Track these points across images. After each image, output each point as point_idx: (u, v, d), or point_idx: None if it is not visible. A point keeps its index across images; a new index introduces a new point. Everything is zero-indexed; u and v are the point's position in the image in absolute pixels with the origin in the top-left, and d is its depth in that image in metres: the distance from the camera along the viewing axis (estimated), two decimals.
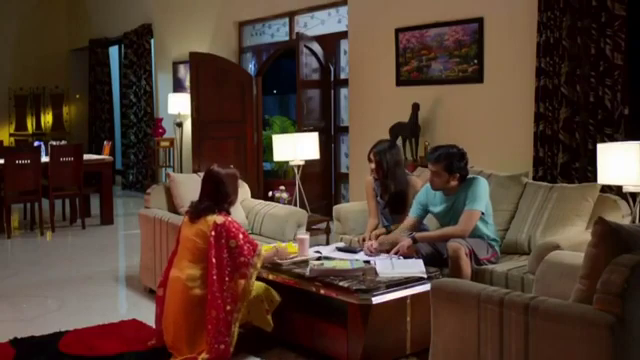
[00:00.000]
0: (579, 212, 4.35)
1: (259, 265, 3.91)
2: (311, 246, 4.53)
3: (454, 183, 4.32)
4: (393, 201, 4.84)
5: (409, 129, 6.54)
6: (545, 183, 4.86)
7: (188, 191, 4.98)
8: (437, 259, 4.26)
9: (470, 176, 4.40)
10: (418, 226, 4.55)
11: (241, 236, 3.88)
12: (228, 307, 3.79)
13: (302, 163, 6.57)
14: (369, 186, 4.96)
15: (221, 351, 3.77)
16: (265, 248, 4.50)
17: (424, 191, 4.55)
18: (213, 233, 3.84)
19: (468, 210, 4.24)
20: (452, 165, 4.27)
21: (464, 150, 4.38)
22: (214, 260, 3.81)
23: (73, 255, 7.23)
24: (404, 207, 4.77)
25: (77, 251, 7.41)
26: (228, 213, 4.01)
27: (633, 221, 4.21)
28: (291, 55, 8.34)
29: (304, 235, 4.43)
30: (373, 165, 4.82)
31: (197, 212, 3.98)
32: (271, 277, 4.11)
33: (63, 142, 9.70)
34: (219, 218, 3.90)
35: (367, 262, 4.05)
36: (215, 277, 3.79)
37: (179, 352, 3.86)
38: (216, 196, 4.00)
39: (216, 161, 4.35)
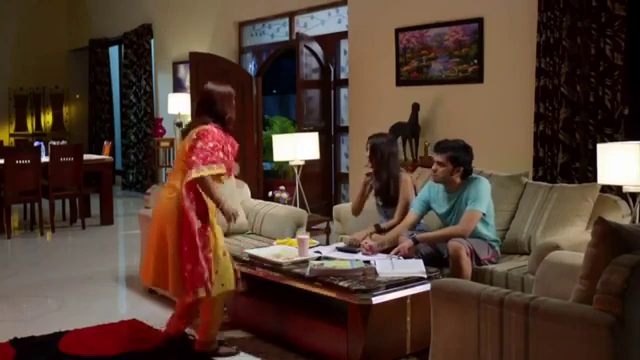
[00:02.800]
0: (579, 212, 4.35)
1: (205, 174, 3.68)
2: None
3: (457, 177, 4.31)
4: (385, 191, 4.82)
5: (409, 129, 6.54)
6: (545, 183, 4.86)
7: None
8: (437, 259, 4.26)
9: (473, 176, 4.40)
10: (418, 222, 4.55)
11: (211, 145, 3.73)
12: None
13: (302, 163, 6.57)
14: (363, 183, 4.97)
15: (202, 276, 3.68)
16: (278, 242, 4.52)
17: (427, 188, 4.54)
18: (194, 136, 3.76)
19: (470, 210, 4.24)
20: (458, 157, 4.28)
21: (470, 146, 4.38)
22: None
23: (73, 255, 7.23)
24: (395, 199, 4.77)
25: (77, 251, 7.41)
26: (228, 131, 3.90)
27: (633, 221, 4.21)
28: (291, 55, 8.34)
29: (304, 235, 4.43)
30: (368, 153, 4.82)
31: (190, 125, 3.95)
32: (271, 276, 4.12)
33: (63, 142, 9.70)
34: (209, 126, 3.81)
35: (367, 262, 4.05)
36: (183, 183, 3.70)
37: (164, 284, 3.82)
38: (211, 113, 3.88)
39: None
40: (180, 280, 3.72)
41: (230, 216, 3.85)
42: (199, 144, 3.72)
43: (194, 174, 3.66)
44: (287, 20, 9.03)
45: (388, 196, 4.80)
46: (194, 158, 3.68)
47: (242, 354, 3.98)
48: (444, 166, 4.30)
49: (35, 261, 6.79)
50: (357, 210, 5.02)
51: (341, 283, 3.68)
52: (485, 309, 2.73)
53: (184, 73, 10.52)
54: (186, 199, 3.70)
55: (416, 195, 4.71)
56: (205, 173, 3.69)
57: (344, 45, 8.11)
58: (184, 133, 3.94)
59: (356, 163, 7.42)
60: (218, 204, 3.82)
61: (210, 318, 3.92)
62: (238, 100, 8.38)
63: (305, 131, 7.39)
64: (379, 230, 4.67)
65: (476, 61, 6.28)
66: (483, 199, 4.26)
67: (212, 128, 3.80)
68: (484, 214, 4.28)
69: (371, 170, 4.84)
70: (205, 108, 3.92)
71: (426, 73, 6.74)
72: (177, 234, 3.72)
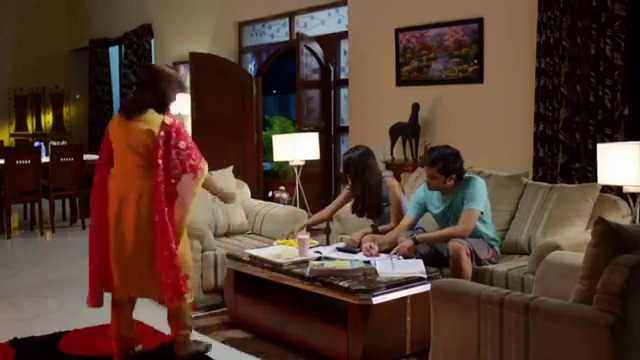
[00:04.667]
0: (579, 212, 4.36)
1: (205, 173, 3.63)
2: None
3: (450, 183, 4.33)
4: (362, 206, 4.89)
5: (409, 129, 6.54)
6: (545, 183, 4.87)
7: None
8: (436, 259, 4.26)
9: (467, 175, 4.41)
10: (415, 225, 4.56)
11: (190, 140, 3.62)
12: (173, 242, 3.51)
13: (302, 163, 6.57)
14: (344, 197, 5.07)
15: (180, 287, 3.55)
16: (278, 242, 4.52)
17: (422, 190, 4.56)
18: (162, 133, 3.52)
19: (467, 210, 4.24)
20: (447, 167, 4.29)
21: (457, 150, 4.38)
22: (160, 162, 3.49)
23: (73, 255, 7.23)
24: (376, 210, 4.84)
25: (77, 251, 7.40)
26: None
27: (633, 221, 4.21)
28: (291, 55, 8.34)
29: (304, 235, 4.43)
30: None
31: (138, 105, 3.60)
32: (271, 277, 4.11)
33: (63, 142, 9.70)
34: (167, 118, 3.59)
35: (367, 262, 4.05)
36: (160, 180, 3.49)
37: (127, 291, 3.69)
38: (155, 93, 3.65)
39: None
40: (165, 286, 3.58)
41: (230, 198, 3.92)
42: (181, 144, 3.55)
43: (201, 176, 3.58)
44: (287, 20, 9.03)
45: (365, 208, 4.87)
46: (192, 162, 3.55)
47: (242, 354, 3.98)
48: (436, 178, 4.32)
49: (35, 261, 6.79)
50: (330, 215, 5.15)
51: (341, 283, 3.69)
52: (485, 309, 2.73)
53: (184, 73, 10.52)
54: (162, 202, 3.52)
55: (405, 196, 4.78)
56: (206, 171, 3.66)
57: (344, 45, 8.11)
58: (128, 111, 3.61)
59: None
60: (219, 192, 3.86)
61: (181, 322, 3.86)
62: (238, 100, 8.49)
63: (305, 131, 7.39)
64: (376, 231, 4.69)
65: (476, 61, 6.28)
66: (479, 198, 4.27)
67: (171, 118, 3.62)
68: (482, 212, 4.29)
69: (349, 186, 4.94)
70: (150, 87, 3.68)
71: (426, 73, 6.74)
72: (151, 238, 3.56)
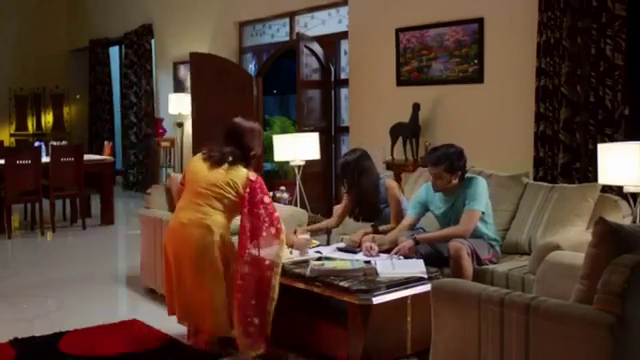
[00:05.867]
0: (579, 212, 4.35)
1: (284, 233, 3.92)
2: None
3: (455, 182, 4.33)
4: (362, 209, 4.90)
5: (410, 129, 6.54)
6: (545, 183, 4.87)
7: None
8: (437, 259, 4.26)
9: (469, 175, 4.41)
10: (415, 225, 4.56)
11: (268, 194, 3.92)
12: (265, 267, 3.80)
13: (302, 163, 6.57)
14: (344, 205, 5.07)
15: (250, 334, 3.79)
16: None
17: (424, 190, 4.55)
18: (248, 190, 3.80)
19: (468, 210, 4.24)
20: (452, 165, 4.28)
21: (461, 148, 4.39)
22: (247, 213, 3.78)
23: (73, 255, 7.23)
24: (374, 213, 4.84)
25: (77, 251, 7.41)
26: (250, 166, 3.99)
27: (634, 221, 4.21)
28: (291, 55, 8.34)
29: (305, 235, 4.43)
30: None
31: (222, 156, 3.87)
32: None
33: (63, 142, 9.70)
34: (251, 174, 3.87)
35: (368, 262, 4.05)
36: (249, 232, 3.76)
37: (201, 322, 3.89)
38: (240, 147, 3.93)
39: None
40: (248, 332, 3.82)
41: (303, 245, 4.24)
42: (266, 199, 3.84)
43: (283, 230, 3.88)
44: (287, 20, 9.03)
45: (362, 212, 4.88)
46: (277, 214, 3.85)
47: (243, 354, 3.98)
48: (441, 177, 4.32)
49: (35, 261, 6.79)
50: (337, 222, 5.13)
51: (342, 283, 3.68)
52: (486, 309, 2.73)
53: (184, 73, 10.52)
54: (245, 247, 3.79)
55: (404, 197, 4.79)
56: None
57: (344, 45, 8.11)
58: (213, 159, 3.90)
59: None
60: (294, 243, 4.21)
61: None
62: (239, 100, 8.49)
63: (305, 131, 7.39)
64: (376, 231, 4.69)
65: (476, 61, 6.28)
66: (481, 198, 4.27)
67: (255, 175, 3.89)
68: (483, 213, 4.29)
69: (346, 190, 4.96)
70: (234, 142, 3.95)
71: (426, 73, 6.74)
72: (222, 276, 3.83)
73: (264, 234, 3.80)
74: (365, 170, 4.83)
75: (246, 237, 3.78)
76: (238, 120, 4.05)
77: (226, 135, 4.02)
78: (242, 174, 3.84)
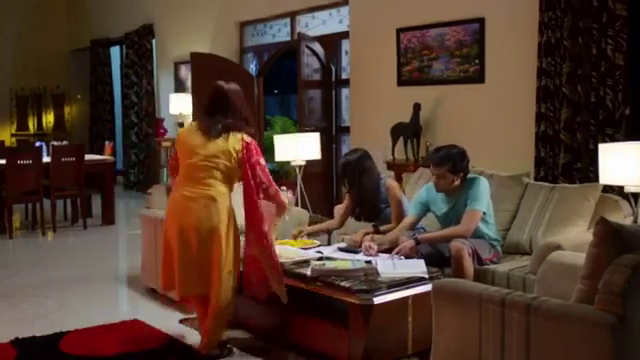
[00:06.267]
0: (580, 212, 4.35)
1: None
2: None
3: (457, 183, 4.33)
4: (363, 209, 4.92)
5: (410, 129, 6.54)
6: (546, 183, 4.86)
7: None
8: (437, 259, 4.25)
9: (471, 176, 4.41)
10: (416, 225, 4.56)
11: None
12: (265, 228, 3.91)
13: (303, 163, 6.57)
14: (346, 205, 5.08)
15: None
16: (279, 242, 4.56)
17: (425, 191, 4.55)
18: (245, 152, 3.84)
19: (470, 210, 4.24)
20: (455, 166, 4.28)
21: (464, 149, 4.39)
22: (248, 176, 3.85)
23: (74, 255, 7.23)
24: (375, 213, 4.85)
25: (78, 251, 7.41)
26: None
27: (635, 221, 4.21)
28: (292, 55, 8.34)
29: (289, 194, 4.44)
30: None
31: (222, 128, 3.87)
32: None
33: (64, 142, 9.70)
34: (246, 137, 3.89)
35: (369, 262, 4.05)
36: (253, 193, 3.86)
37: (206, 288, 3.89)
38: (231, 112, 3.92)
39: None
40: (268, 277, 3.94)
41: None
42: (262, 161, 3.91)
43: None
44: (288, 20, 9.03)
45: (363, 212, 4.89)
46: (271, 177, 3.95)
47: (243, 354, 3.98)
48: (444, 178, 4.32)
49: (36, 261, 6.80)
50: (340, 223, 5.12)
51: (342, 283, 3.68)
52: (487, 309, 2.73)
53: (185, 73, 10.52)
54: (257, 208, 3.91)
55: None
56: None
57: (345, 45, 8.11)
58: (210, 132, 3.87)
59: None
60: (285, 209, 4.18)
61: (215, 322, 3.93)
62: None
63: (306, 131, 7.39)
64: (377, 231, 4.69)
65: (477, 61, 6.28)
66: (482, 198, 4.27)
67: (249, 137, 3.92)
68: (484, 213, 4.28)
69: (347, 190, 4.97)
70: (223, 107, 3.93)
71: (427, 73, 6.74)
72: (229, 244, 3.90)
73: (262, 195, 3.90)
74: (366, 170, 4.83)
75: (253, 196, 3.87)
76: (221, 84, 4.02)
77: (215, 101, 3.98)
78: (238, 138, 3.87)
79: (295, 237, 4.83)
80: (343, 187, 8.26)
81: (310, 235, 4.95)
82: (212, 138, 3.85)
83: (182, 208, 3.88)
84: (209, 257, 3.83)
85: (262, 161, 3.93)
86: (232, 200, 3.95)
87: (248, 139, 3.90)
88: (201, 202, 3.82)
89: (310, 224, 5.51)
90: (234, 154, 3.83)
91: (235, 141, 3.86)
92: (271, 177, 3.97)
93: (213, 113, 3.94)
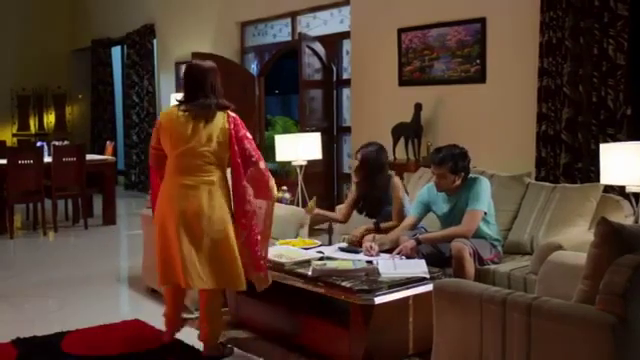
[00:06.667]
0: (582, 212, 4.35)
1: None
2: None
3: (458, 183, 4.33)
4: (367, 203, 4.92)
5: (411, 129, 6.54)
6: (547, 183, 4.86)
7: None
8: (439, 259, 4.25)
9: (472, 176, 4.41)
10: (417, 225, 4.56)
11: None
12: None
13: (304, 163, 6.57)
14: (352, 192, 5.10)
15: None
16: (280, 242, 4.55)
17: (426, 190, 4.55)
18: (232, 126, 3.80)
19: (471, 210, 4.24)
20: (457, 166, 4.29)
21: (465, 149, 4.39)
22: (236, 150, 3.77)
23: (75, 255, 7.24)
24: (377, 209, 4.87)
25: (79, 251, 7.42)
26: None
27: (636, 221, 4.20)
28: (293, 55, 8.34)
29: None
30: (357, 163, 4.91)
31: (209, 110, 3.78)
32: (273, 277, 4.11)
33: (66, 142, 9.70)
34: (230, 112, 3.86)
35: (369, 262, 4.05)
36: (241, 167, 3.78)
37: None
38: (210, 91, 3.83)
39: None
40: (260, 266, 3.88)
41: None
42: (248, 135, 3.87)
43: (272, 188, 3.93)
44: (289, 20, 9.04)
45: (370, 208, 4.90)
46: (257, 148, 3.89)
47: (244, 354, 3.98)
48: (445, 178, 4.32)
49: (37, 261, 6.80)
50: (345, 216, 5.12)
51: (343, 283, 3.68)
52: (487, 309, 2.73)
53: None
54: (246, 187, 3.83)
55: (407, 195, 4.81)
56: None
57: (346, 45, 8.11)
58: (201, 114, 3.76)
59: None
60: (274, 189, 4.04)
61: (212, 319, 3.91)
62: (240, 100, 8.46)
63: (307, 131, 7.39)
64: (377, 228, 4.70)
65: (478, 61, 6.27)
66: (483, 198, 4.27)
67: (237, 115, 3.90)
68: (485, 213, 4.28)
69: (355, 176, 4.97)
70: (200, 85, 3.83)
71: (428, 73, 6.74)
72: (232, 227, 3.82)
73: (252, 168, 3.84)
74: (382, 166, 4.88)
75: (239, 173, 3.80)
76: (197, 62, 3.98)
77: (193, 82, 3.86)
78: (224, 114, 3.82)
79: (309, 211, 4.95)
80: (345, 186, 8.30)
81: (311, 233, 4.98)
82: (209, 120, 3.76)
83: (182, 195, 3.75)
84: (220, 248, 3.75)
85: (249, 135, 3.88)
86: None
87: (233, 114, 3.85)
88: (204, 189, 3.74)
89: (311, 224, 5.52)
90: (225, 132, 3.78)
91: (223, 119, 3.81)
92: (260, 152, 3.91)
93: (194, 95, 3.82)
